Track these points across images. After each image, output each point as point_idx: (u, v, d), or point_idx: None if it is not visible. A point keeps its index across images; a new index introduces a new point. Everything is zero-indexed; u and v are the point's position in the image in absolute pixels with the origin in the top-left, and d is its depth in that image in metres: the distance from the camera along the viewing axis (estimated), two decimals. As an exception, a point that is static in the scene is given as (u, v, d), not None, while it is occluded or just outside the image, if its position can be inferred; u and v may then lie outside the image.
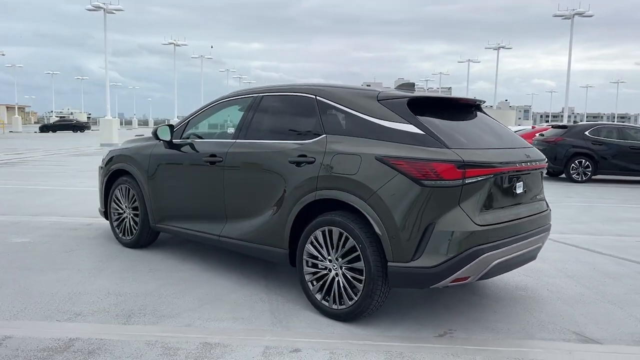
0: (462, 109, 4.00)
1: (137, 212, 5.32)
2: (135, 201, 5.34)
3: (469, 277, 3.36)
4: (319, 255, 3.73)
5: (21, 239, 5.72)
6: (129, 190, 5.42)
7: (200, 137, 4.97)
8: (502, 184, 3.55)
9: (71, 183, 10.63)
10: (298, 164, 3.86)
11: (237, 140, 4.42)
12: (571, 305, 4.11)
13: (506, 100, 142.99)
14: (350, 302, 3.55)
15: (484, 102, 4.36)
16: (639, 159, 13.09)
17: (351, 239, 3.50)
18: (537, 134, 14.98)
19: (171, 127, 4.98)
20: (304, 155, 3.83)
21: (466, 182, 3.28)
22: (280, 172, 3.98)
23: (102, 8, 27.36)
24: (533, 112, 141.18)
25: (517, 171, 3.64)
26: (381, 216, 3.35)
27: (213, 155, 4.50)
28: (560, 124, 15.88)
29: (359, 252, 3.47)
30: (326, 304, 3.70)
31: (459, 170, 3.24)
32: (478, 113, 4.08)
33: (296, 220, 3.86)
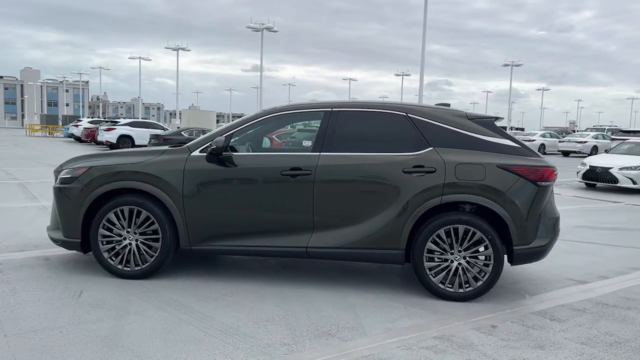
0: None
1: (151, 237, 4.65)
2: (152, 224, 4.63)
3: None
4: (437, 250, 4.43)
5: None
6: (137, 212, 4.65)
7: (235, 150, 4.77)
8: None
9: None
10: (413, 173, 4.43)
11: (323, 153, 4.56)
12: (542, 263, 5.79)
13: (138, 97, 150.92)
14: (477, 284, 4.42)
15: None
16: None
17: (479, 233, 4.37)
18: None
19: (218, 141, 4.60)
20: (421, 166, 4.43)
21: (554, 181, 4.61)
22: (392, 181, 4.45)
23: None
24: (164, 111, 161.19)
25: None
26: (510, 211, 4.36)
27: (296, 169, 4.51)
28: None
29: (487, 242, 4.37)
30: (450, 289, 4.44)
31: (555, 173, 4.54)
32: None
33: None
